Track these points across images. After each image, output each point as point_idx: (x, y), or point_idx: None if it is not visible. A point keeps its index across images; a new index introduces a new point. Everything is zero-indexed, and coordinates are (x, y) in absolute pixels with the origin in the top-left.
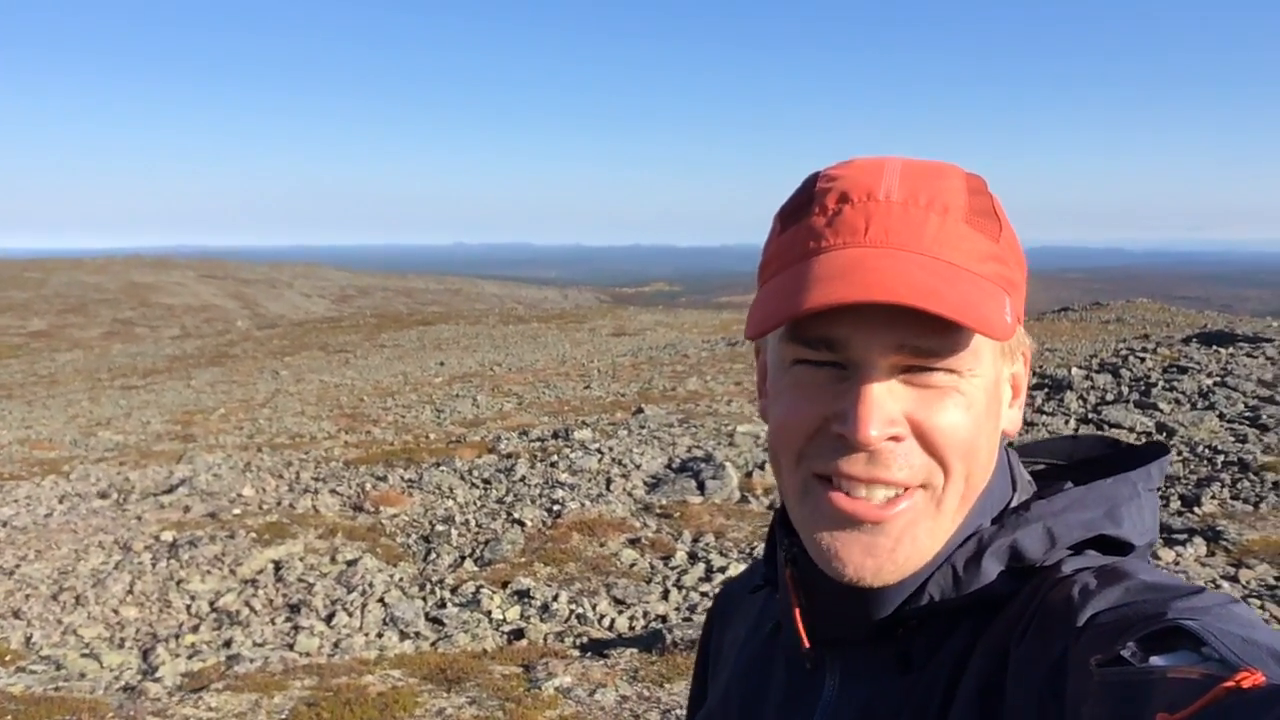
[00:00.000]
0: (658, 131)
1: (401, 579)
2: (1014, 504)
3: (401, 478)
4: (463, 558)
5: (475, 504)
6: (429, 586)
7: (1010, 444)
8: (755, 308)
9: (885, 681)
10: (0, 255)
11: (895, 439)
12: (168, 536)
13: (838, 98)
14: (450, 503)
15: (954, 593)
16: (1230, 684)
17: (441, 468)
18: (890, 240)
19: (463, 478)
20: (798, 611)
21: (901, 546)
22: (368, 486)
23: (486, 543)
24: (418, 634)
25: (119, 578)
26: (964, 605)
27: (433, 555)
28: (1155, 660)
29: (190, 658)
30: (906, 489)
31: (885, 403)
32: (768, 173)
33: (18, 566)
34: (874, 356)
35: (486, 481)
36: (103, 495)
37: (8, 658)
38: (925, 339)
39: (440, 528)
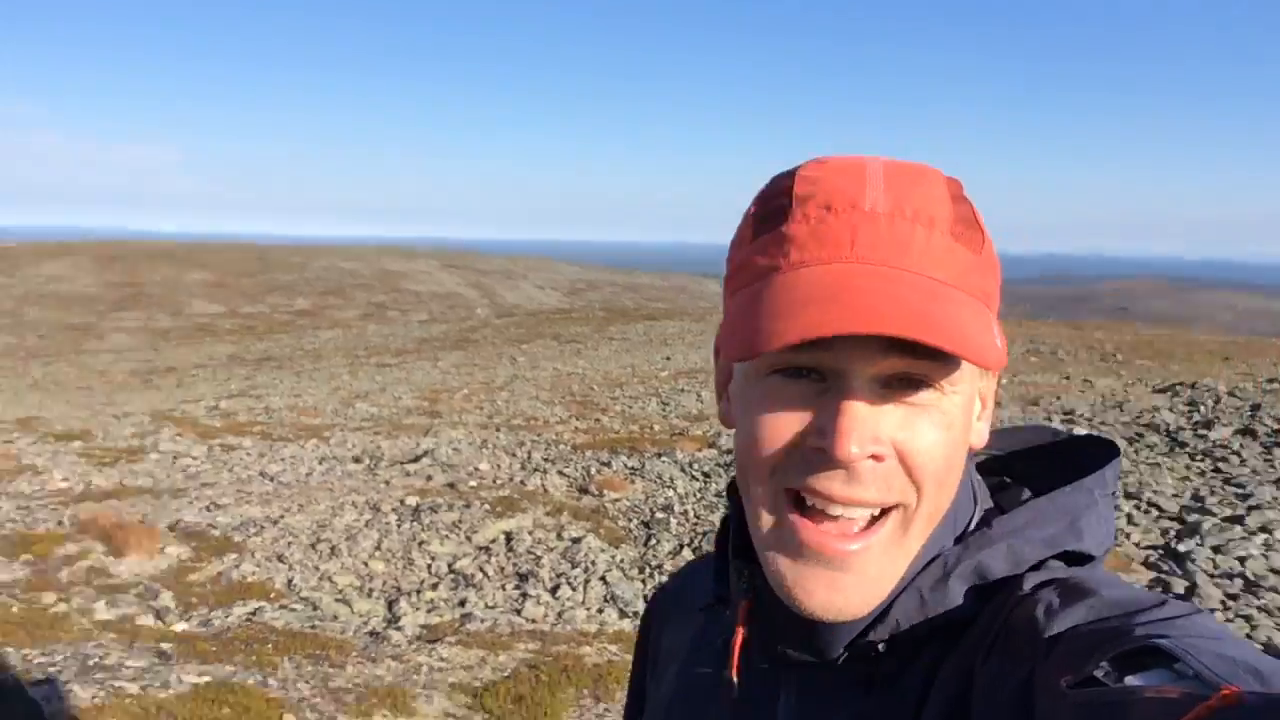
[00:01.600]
0: (885, 125)
1: (622, 560)
2: (975, 520)
3: (625, 465)
4: (681, 546)
5: (695, 495)
6: (648, 570)
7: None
8: (734, 326)
9: (847, 703)
10: (266, 240)
11: (875, 458)
12: (412, 501)
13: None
14: (670, 492)
15: (920, 617)
16: (1211, 702)
17: (663, 458)
18: (878, 256)
19: (683, 469)
20: (738, 643)
21: (867, 581)
22: (593, 470)
23: (704, 534)
24: (635, 613)
25: (368, 534)
26: (930, 627)
27: (652, 541)
28: (1130, 680)
29: (429, 612)
30: (882, 512)
31: (869, 420)
32: (998, 171)
33: (282, 517)
34: (858, 374)
35: (706, 475)
36: (356, 460)
37: (272, 595)
38: (915, 363)
39: (660, 515)
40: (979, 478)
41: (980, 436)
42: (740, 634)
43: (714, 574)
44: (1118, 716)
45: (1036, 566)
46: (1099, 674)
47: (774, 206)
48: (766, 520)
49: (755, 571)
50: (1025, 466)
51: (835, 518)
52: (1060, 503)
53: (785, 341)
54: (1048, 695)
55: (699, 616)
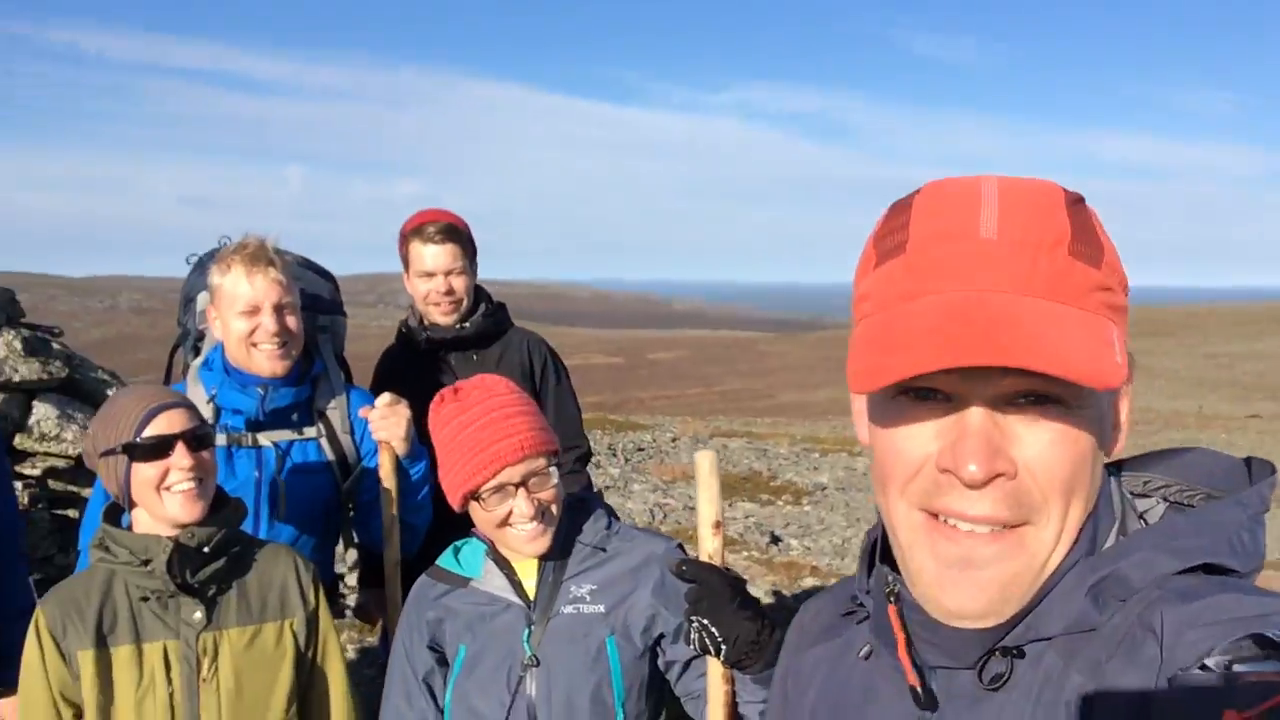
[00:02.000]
0: None
1: None
2: (1117, 531)
3: None
4: None
5: None
6: None
7: (1115, 463)
8: (860, 355)
9: (981, 703)
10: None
11: (1002, 475)
12: None
13: None
14: None
15: (1057, 624)
16: None
17: None
18: (993, 284)
19: None
20: (902, 647)
21: (1004, 589)
22: None
23: None
24: None
25: None
26: (1064, 633)
27: None
28: (1237, 668)
29: None
30: (1011, 527)
31: (992, 439)
32: None
33: None
34: (980, 396)
35: None
36: None
37: None
38: (1036, 381)
39: None
40: (1125, 491)
41: (1114, 450)
42: (901, 636)
43: (859, 585)
44: (1216, 697)
45: (1178, 575)
46: (1210, 663)
47: (893, 235)
48: (904, 534)
49: (897, 577)
50: (1181, 486)
51: (968, 531)
52: (1208, 516)
53: (898, 377)
54: (1163, 687)
55: (842, 627)
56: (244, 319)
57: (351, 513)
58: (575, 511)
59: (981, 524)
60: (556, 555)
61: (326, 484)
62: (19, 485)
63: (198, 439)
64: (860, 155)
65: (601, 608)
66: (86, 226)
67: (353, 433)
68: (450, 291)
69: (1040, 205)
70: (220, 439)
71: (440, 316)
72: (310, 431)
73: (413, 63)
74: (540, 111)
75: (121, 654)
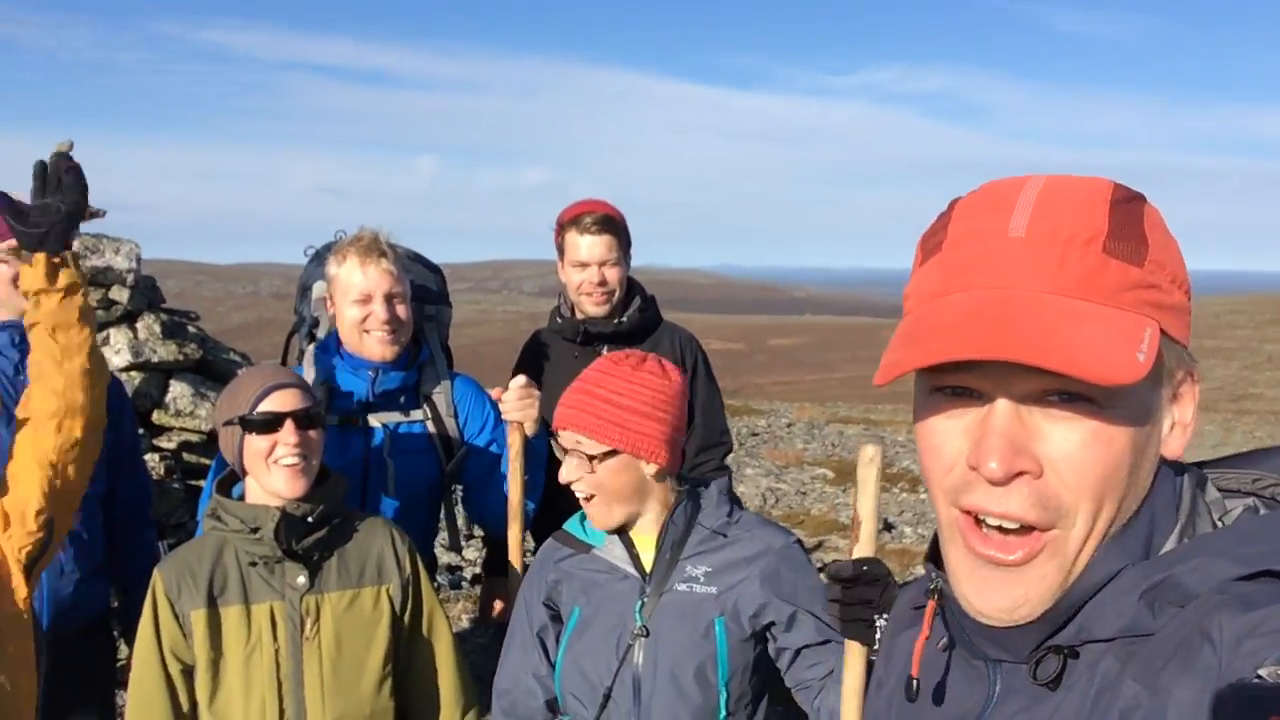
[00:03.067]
0: None
1: None
2: (1180, 533)
3: None
4: None
5: None
6: None
7: (1196, 463)
8: (889, 349)
9: (1040, 700)
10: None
11: (1026, 474)
12: None
13: None
14: None
15: (1113, 627)
16: None
17: None
18: (1013, 281)
19: None
20: (922, 639)
21: (1033, 588)
22: None
23: None
24: None
25: None
26: (1118, 635)
27: None
28: None
29: None
30: (1037, 526)
31: (1015, 438)
32: None
33: None
34: (1004, 393)
35: None
36: None
37: None
38: (1064, 380)
39: None
40: (1207, 492)
41: (1175, 447)
42: (926, 631)
43: (927, 574)
44: (1264, 703)
45: (1240, 581)
46: (1264, 673)
47: (934, 234)
48: (945, 530)
49: (942, 574)
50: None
51: (998, 528)
52: (1273, 521)
53: (906, 368)
54: (1218, 696)
55: (913, 623)
56: (358, 306)
57: (460, 493)
58: (699, 496)
59: (1008, 520)
60: (675, 533)
61: (431, 464)
62: (155, 457)
63: (307, 418)
64: (993, 136)
65: (714, 589)
66: (233, 216)
67: (456, 416)
68: (604, 282)
69: (1078, 203)
70: (333, 419)
71: (592, 307)
72: (416, 414)
73: (539, 53)
74: (665, 99)
75: (231, 614)
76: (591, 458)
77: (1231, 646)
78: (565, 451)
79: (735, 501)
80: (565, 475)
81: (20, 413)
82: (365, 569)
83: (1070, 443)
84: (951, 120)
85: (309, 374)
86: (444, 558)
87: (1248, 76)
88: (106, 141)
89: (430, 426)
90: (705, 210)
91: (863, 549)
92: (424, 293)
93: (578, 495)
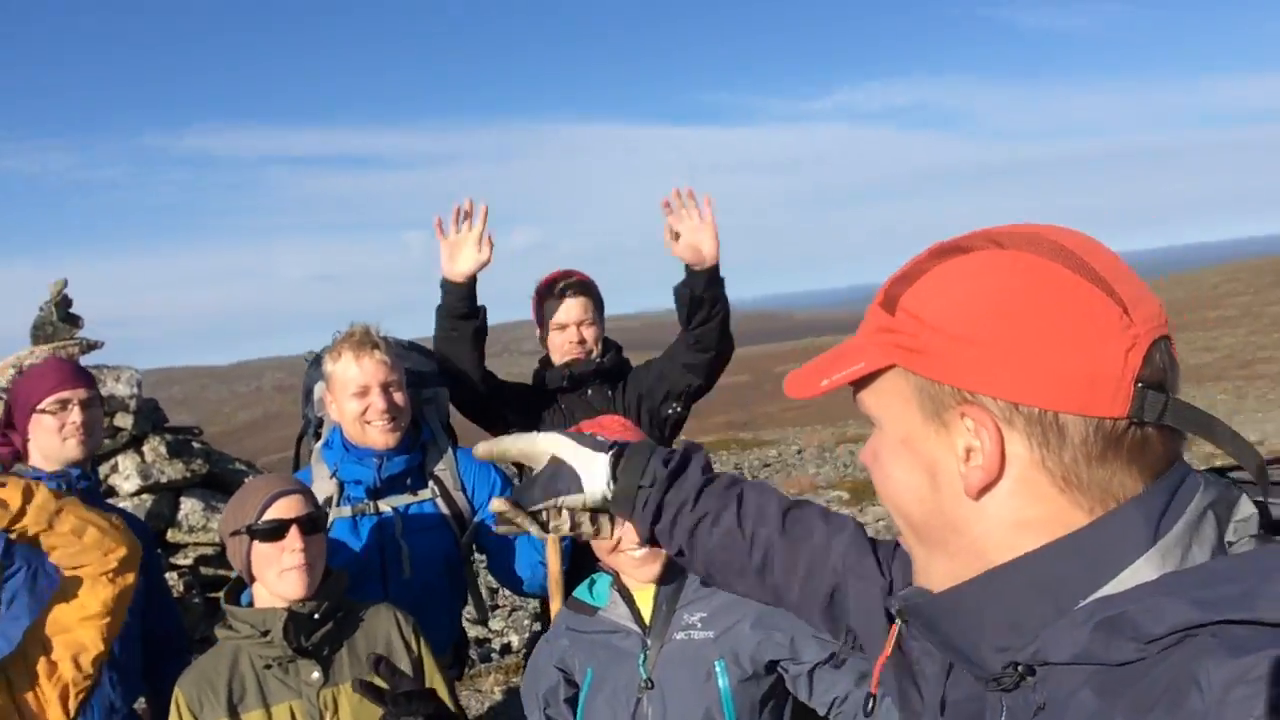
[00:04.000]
0: None
1: None
2: (1155, 558)
3: None
4: None
5: None
6: None
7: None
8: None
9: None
10: None
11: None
12: None
13: None
14: None
15: (1066, 652)
16: None
17: None
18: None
19: None
20: (882, 659)
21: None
22: None
23: None
24: None
25: None
26: (1083, 666)
27: None
28: None
29: None
30: None
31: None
32: None
33: None
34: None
35: None
36: None
37: None
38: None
39: None
40: (1219, 510)
41: (967, 485)
42: (886, 650)
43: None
44: None
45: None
46: None
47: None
48: None
49: (904, 598)
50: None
51: None
52: (1252, 562)
53: (809, 394)
54: None
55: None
56: (356, 399)
57: (485, 562)
58: None
59: None
60: (671, 585)
61: (446, 539)
62: (174, 575)
63: (311, 522)
64: (974, 138)
65: (711, 634)
66: (230, 316)
67: (464, 489)
68: (582, 341)
69: (914, 259)
70: (345, 510)
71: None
72: (425, 493)
73: (517, 118)
74: (645, 144)
75: (253, 718)
76: None
77: (1221, 693)
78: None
79: None
80: (635, 538)
81: (67, 569)
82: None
83: (870, 457)
84: (931, 129)
85: (317, 470)
86: (472, 631)
87: (1221, 47)
88: (98, 259)
89: (440, 504)
90: None
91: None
92: (420, 378)
93: (632, 554)
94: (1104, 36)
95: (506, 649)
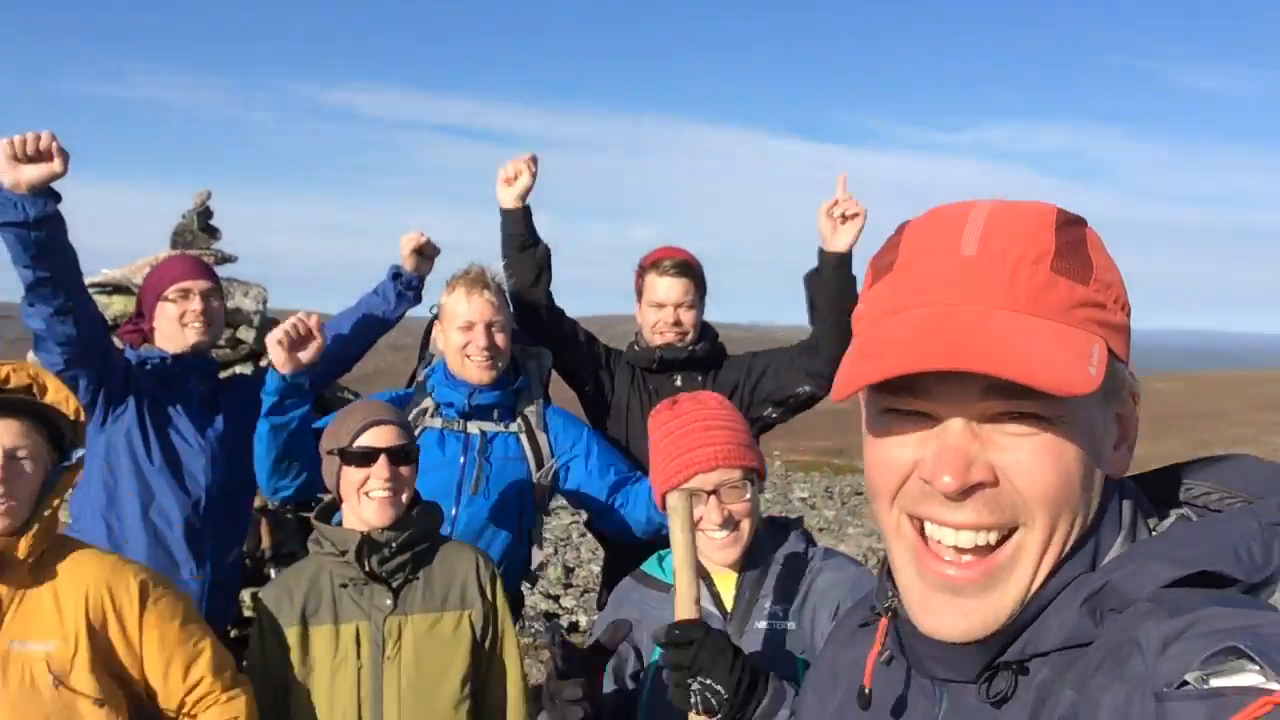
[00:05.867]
0: None
1: None
2: (1123, 544)
3: None
4: None
5: None
6: None
7: (1131, 477)
8: (842, 366)
9: (983, 716)
10: None
11: (980, 485)
12: None
13: None
14: None
15: (1056, 639)
16: (1275, 696)
17: None
18: (967, 296)
19: None
20: (873, 656)
21: (985, 616)
22: None
23: None
24: None
25: None
26: (1058, 648)
27: None
28: (1215, 682)
29: None
30: (991, 539)
31: (968, 452)
32: None
33: None
34: (957, 408)
35: None
36: None
37: None
38: (1008, 394)
39: None
40: (1146, 505)
41: (1119, 465)
42: (876, 647)
43: (877, 596)
44: (1192, 711)
45: (1171, 588)
46: (1190, 678)
47: (884, 256)
48: (894, 545)
49: (897, 595)
50: (1223, 494)
51: (950, 546)
52: (1209, 526)
53: (865, 382)
54: (1143, 703)
55: (861, 633)
56: (460, 333)
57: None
58: (775, 532)
59: (964, 530)
60: (754, 571)
61: (521, 471)
62: None
63: (401, 453)
64: (1114, 193)
65: (793, 624)
66: (353, 268)
67: (547, 430)
68: (678, 323)
69: (1026, 224)
70: (435, 422)
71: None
72: (512, 426)
73: (650, 112)
74: (773, 155)
75: (321, 633)
76: (737, 487)
77: (1158, 651)
78: (706, 496)
79: (809, 538)
80: (715, 523)
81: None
82: (449, 594)
83: (1024, 452)
84: (1071, 178)
85: (419, 388)
86: (543, 605)
87: None
88: (239, 193)
89: (523, 439)
90: (809, 266)
91: (680, 610)
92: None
93: (718, 537)
94: (1264, 104)
95: (574, 627)
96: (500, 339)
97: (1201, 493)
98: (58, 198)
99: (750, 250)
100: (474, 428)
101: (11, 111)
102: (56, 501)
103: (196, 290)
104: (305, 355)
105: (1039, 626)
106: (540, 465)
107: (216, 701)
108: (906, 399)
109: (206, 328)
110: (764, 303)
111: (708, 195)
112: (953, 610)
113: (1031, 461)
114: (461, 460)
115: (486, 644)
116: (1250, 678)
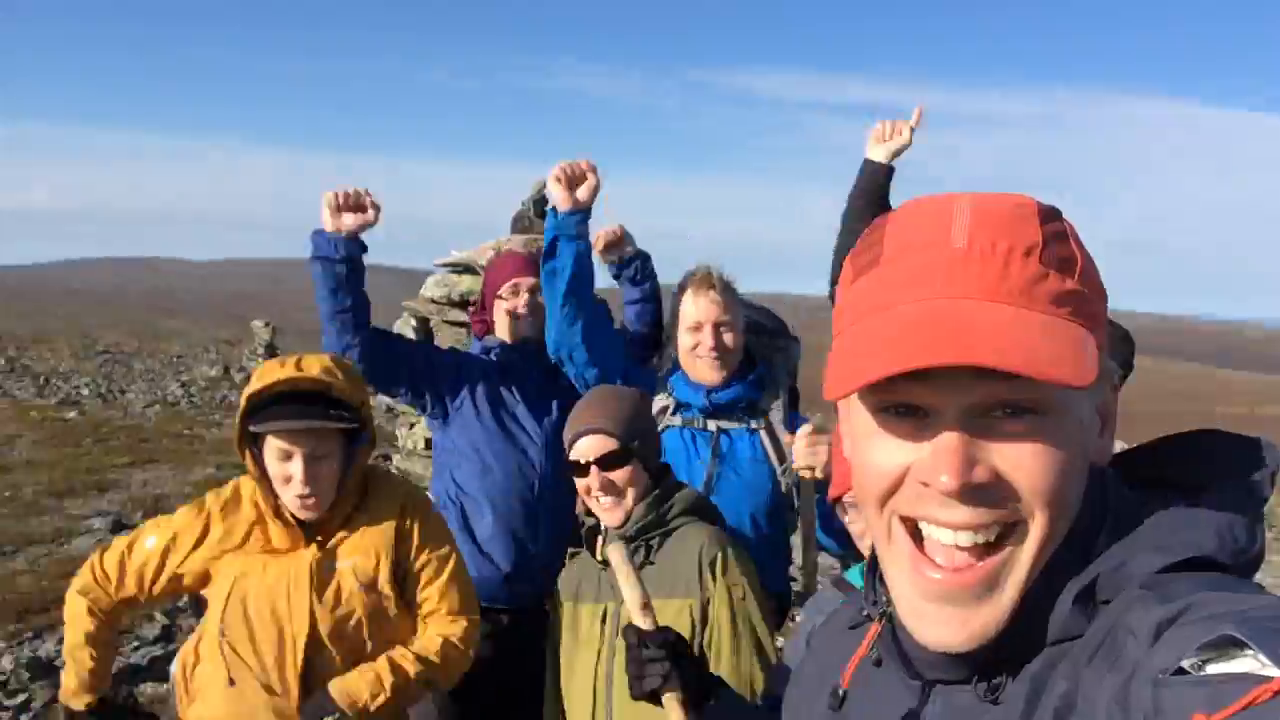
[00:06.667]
0: None
1: None
2: (1105, 535)
3: None
4: None
5: None
6: None
7: (1123, 453)
8: (831, 365)
9: (977, 713)
10: None
11: (978, 486)
12: None
13: None
14: None
15: (1051, 634)
16: (1272, 684)
17: None
18: (961, 290)
19: None
20: (856, 658)
21: (986, 611)
22: None
23: None
24: None
25: None
26: (1050, 642)
27: None
28: (1211, 669)
29: None
30: (990, 537)
31: (966, 451)
32: None
33: None
34: (953, 407)
35: None
36: None
37: None
38: (1005, 389)
39: None
40: (1125, 492)
41: (1102, 453)
42: (861, 651)
43: (865, 597)
44: (1188, 699)
45: (1162, 574)
46: (1186, 664)
47: (868, 250)
48: (886, 552)
49: (889, 599)
50: (1186, 472)
51: (949, 546)
52: (1192, 512)
53: (864, 381)
54: (1141, 690)
55: (856, 635)
56: (689, 334)
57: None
58: None
59: (962, 530)
60: None
61: (763, 472)
62: None
63: (613, 459)
64: None
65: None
66: (753, 248)
67: (791, 430)
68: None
69: (1013, 216)
70: (675, 420)
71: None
72: (755, 424)
73: (1056, 83)
74: (1213, 127)
75: (584, 610)
76: None
77: (1151, 639)
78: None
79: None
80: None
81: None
82: (677, 582)
83: (1022, 451)
84: None
85: (661, 392)
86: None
87: None
88: (648, 177)
89: (764, 437)
90: (1262, 253)
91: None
92: (772, 332)
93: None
94: None
95: None
96: (729, 338)
97: (1175, 472)
98: (364, 248)
99: (1176, 239)
100: (714, 425)
101: (472, 103)
102: (355, 476)
103: (525, 286)
104: (582, 194)
105: (1033, 622)
106: (782, 462)
107: (442, 620)
108: (901, 391)
109: (533, 320)
110: (1191, 294)
111: (1127, 172)
112: (952, 620)
113: (1032, 458)
114: (699, 460)
115: (708, 634)
116: (1246, 664)
